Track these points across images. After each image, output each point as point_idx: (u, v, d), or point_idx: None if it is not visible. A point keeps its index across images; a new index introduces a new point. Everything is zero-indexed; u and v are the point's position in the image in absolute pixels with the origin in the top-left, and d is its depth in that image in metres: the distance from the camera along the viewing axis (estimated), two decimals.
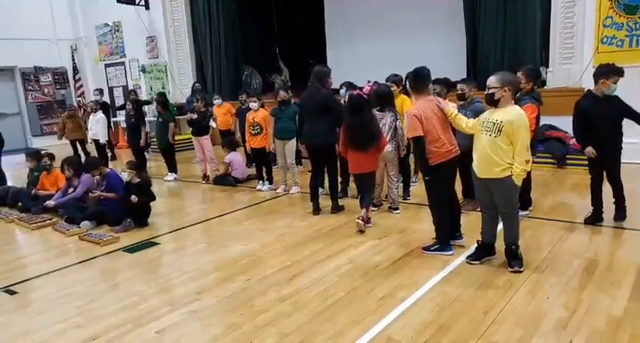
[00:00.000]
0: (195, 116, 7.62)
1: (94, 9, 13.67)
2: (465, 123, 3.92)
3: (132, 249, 4.81)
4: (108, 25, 13.67)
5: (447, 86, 5.33)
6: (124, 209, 5.40)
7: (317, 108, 5.40)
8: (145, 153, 8.81)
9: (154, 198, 5.53)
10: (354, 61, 11.19)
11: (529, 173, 4.37)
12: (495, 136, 3.52)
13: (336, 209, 5.57)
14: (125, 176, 5.46)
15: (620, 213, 4.63)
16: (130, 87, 13.14)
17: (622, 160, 4.56)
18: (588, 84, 7.08)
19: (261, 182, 6.98)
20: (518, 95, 4.63)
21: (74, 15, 14.33)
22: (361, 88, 6.20)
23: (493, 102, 3.62)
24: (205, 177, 7.75)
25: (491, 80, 3.61)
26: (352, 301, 3.40)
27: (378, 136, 4.91)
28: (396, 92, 5.68)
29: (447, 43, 9.73)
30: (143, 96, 12.34)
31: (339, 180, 6.23)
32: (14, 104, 13.83)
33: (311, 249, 4.45)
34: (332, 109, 5.40)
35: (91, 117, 9.19)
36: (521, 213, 5.05)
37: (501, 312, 3.11)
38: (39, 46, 13.68)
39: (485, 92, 3.64)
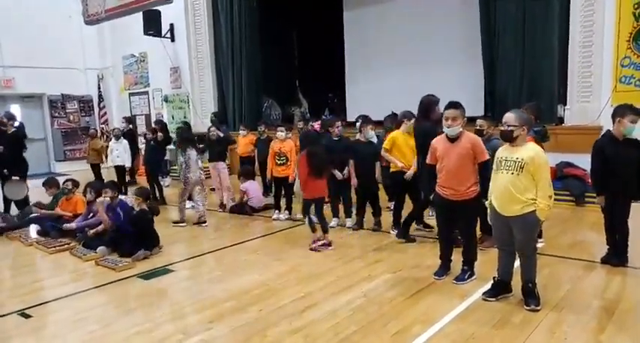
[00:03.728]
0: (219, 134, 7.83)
1: (122, 40, 14.17)
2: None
3: (147, 275, 4.84)
4: (134, 55, 14.14)
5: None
6: (134, 239, 5.46)
7: (421, 143, 5.12)
8: (163, 180, 8.94)
9: (144, 227, 5.51)
10: (372, 94, 11.34)
11: None
12: (518, 174, 3.53)
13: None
14: (129, 201, 5.58)
15: (615, 256, 4.50)
16: (154, 117, 13.47)
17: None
18: (606, 122, 7.09)
19: (277, 211, 7.01)
20: None
21: (103, 45, 14.87)
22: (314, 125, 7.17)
23: (510, 140, 3.63)
24: (222, 205, 7.82)
25: (511, 118, 3.61)
26: (365, 335, 3.36)
27: (329, 164, 5.66)
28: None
29: (465, 77, 9.83)
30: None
31: (354, 212, 6.27)
32: (40, 130, 14.24)
33: (325, 281, 4.43)
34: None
35: (112, 143, 9.30)
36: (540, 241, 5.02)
37: None
38: (67, 75, 14.16)
39: (502, 128, 3.65)
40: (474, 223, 4.29)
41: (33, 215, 6.88)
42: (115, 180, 8.70)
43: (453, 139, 4.11)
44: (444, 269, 4.42)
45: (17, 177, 7.33)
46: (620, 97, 7.21)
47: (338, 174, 6.12)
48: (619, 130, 4.33)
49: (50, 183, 7.08)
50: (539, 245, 4.89)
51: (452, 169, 4.13)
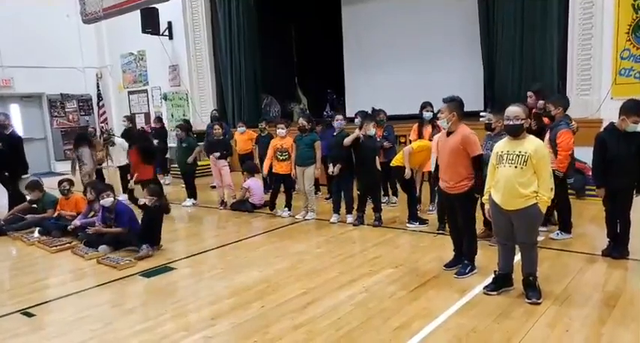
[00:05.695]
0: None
1: (120, 38, 14.15)
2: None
3: (148, 273, 4.85)
4: (133, 53, 14.12)
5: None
6: (138, 235, 5.48)
7: None
8: (163, 178, 8.95)
9: (154, 224, 5.55)
10: (371, 90, 11.33)
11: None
12: (522, 168, 3.53)
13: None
14: (146, 201, 5.54)
15: (616, 249, 4.50)
16: (153, 115, 13.46)
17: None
18: (606, 115, 7.12)
19: (285, 209, 6.97)
20: (552, 123, 5.01)
21: (101, 44, 14.85)
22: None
23: (517, 133, 3.61)
24: (223, 202, 7.82)
25: (519, 111, 3.58)
26: (366, 331, 3.37)
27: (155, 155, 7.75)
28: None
29: (464, 72, 9.82)
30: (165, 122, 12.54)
31: (355, 207, 6.27)
32: (40, 129, 14.26)
33: (326, 277, 4.44)
34: None
35: (110, 149, 9.26)
36: (567, 236, 5.14)
37: None
38: (66, 74, 14.16)
39: (511, 122, 3.59)
40: (471, 217, 4.28)
41: (29, 216, 6.87)
42: (119, 179, 8.77)
43: (449, 133, 4.16)
44: (454, 261, 4.45)
45: (29, 175, 7.35)
46: (619, 90, 7.20)
47: (330, 170, 6.25)
48: (622, 126, 4.36)
49: (32, 186, 6.87)
50: (539, 238, 4.91)
51: (444, 163, 4.23)
